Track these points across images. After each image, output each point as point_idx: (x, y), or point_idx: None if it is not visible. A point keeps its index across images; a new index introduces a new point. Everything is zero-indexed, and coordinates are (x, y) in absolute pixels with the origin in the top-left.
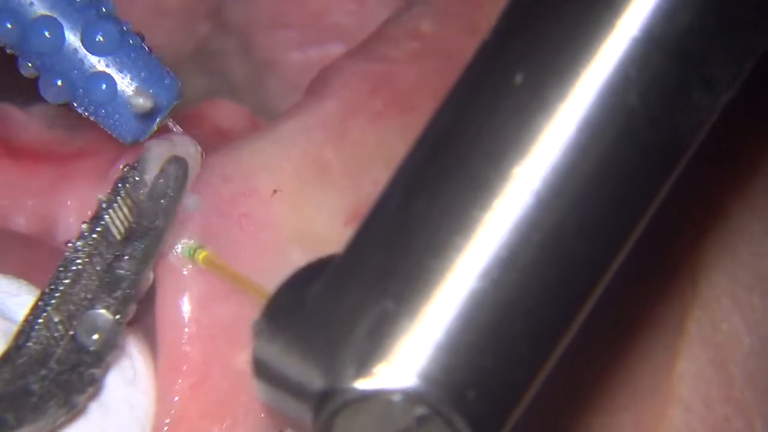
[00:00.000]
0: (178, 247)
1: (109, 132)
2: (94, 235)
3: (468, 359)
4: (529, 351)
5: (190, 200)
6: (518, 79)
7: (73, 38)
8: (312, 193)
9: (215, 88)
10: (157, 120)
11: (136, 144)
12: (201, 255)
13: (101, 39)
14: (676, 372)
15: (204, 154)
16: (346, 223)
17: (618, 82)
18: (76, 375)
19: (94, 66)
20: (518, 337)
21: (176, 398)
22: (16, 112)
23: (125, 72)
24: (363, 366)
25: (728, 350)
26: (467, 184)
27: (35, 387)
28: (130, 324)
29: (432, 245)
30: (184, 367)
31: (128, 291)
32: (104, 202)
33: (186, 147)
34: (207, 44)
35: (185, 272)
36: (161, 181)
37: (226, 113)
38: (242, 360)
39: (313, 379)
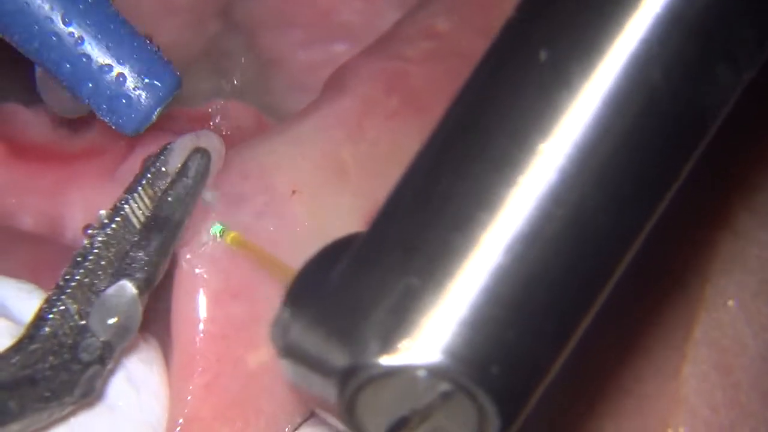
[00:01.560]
0: (206, 231)
1: (108, 123)
2: (113, 225)
3: (491, 335)
4: (552, 326)
5: (208, 195)
6: (542, 56)
7: (74, 29)
8: (330, 193)
9: (223, 87)
10: (157, 111)
11: (137, 135)
12: (230, 235)
13: (110, 27)
14: (682, 376)
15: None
16: (364, 224)
17: (641, 58)
18: (87, 368)
19: (96, 58)
20: (541, 312)
21: (189, 397)
22: (23, 111)
23: (125, 63)
24: (387, 342)
25: (734, 355)
26: (491, 161)
27: (42, 377)
28: (141, 327)
29: (456, 221)
30: (198, 367)
31: (144, 280)
32: (126, 191)
33: (210, 140)
34: (216, 43)
35: (198, 271)
36: (184, 172)
37: (234, 113)
38: (255, 360)
39: (338, 356)
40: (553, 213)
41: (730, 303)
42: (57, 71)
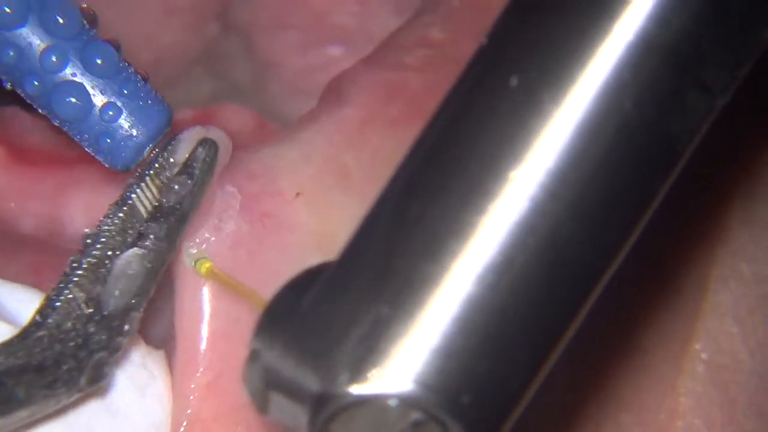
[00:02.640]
0: (185, 258)
1: (99, 160)
2: (120, 214)
3: (463, 364)
4: (525, 356)
5: (227, 192)
6: (513, 82)
7: (54, 63)
8: (333, 198)
9: (222, 90)
10: (148, 148)
11: (126, 171)
12: (204, 266)
13: (100, 62)
14: (679, 391)
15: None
16: None
17: (613, 86)
18: (93, 356)
19: (87, 95)
20: (513, 341)
21: (192, 397)
22: (24, 116)
23: (117, 100)
24: (358, 371)
25: (731, 372)
26: (463, 188)
27: (49, 364)
28: (143, 331)
29: (427, 249)
30: (200, 366)
31: (150, 270)
32: (133, 180)
33: (218, 134)
34: (214, 45)
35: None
36: (191, 162)
37: (233, 116)
38: None
39: (309, 385)
40: (524, 241)
41: (727, 319)
42: (47, 108)
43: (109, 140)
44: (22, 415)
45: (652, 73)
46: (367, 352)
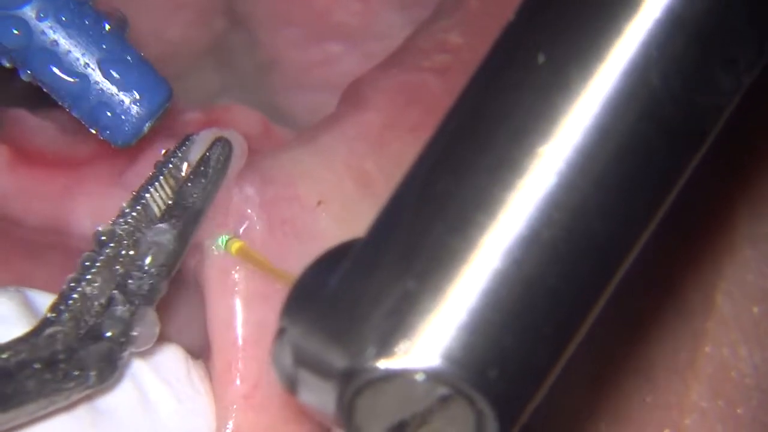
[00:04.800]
0: (214, 243)
1: (100, 135)
2: (134, 213)
3: (490, 339)
4: (551, 331)
5: (246, 194)
6: (541, 58)
7: (64, 41)
8: (355, 205)
9: (227, 83)
10: (148, 123)
11: (128, 147)
12: (235, 246)
13: (101, 39)
14: (684, 406)
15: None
16: None
17: (639, 63)
18: (103, 353)
19: (87, 71)
20: (540, 316)
21: (232, 408)
22: (30, 117)
23: (116, 75)
24: (385, 345)
25: (735, 387)
26: (490, 164)
27: (60, 359)
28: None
29: (454, 224)
30: (236, 377)
31: (161, 269)
32: (147, 179)
33: (233, 135)
34: (220, 40)
35: (232, 275)
36: (205, 161)
37: (240, 118)
38: None
39: (336, 360)
40: (551, 217)
41: (732, 334)
42: (48, 83)
43: (109, 115)
44: (31, 408)
45: (678, 49)
46: (395, 327)
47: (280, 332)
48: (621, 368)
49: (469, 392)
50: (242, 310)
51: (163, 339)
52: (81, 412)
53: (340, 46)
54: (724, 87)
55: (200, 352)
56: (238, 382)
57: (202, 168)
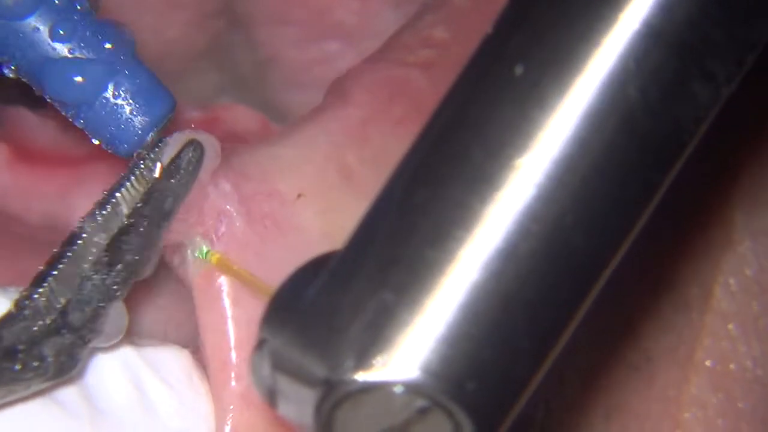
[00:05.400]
0: (189, 251)
1: (103, 145)
2: (104, 212)
3: (468, 351)
4: (529, 343)
5: (222, 190)
6: (518, 70)
7: (60, 47)
8: (336, 198)
9: (225, 82)
10: (151, 134)
11: (129, 157)
12: (215, 257)
13: (106, 46)
14: (683, 399)
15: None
16: None
17: (617, 75)
18: (63, 347)
19: (90, 79)
20: (518, 329)
21: (229, 408)
22: (30, 116)
23: (120, 85)
24: (363, 358)
25: (734, 381)
26: (467, 176)
27: (20, 350)
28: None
29: (432, 237)
30: (232, 377)
31: (129, 267)
32: (118, 180)
33: (206, 137)
34: (219, 39)
35: (220, 277)
36: (176, 163)
37: (239, 117)
38: None
39: (315, 372)
40: (529, 229)
41: (732, 327)
42: (51, 93)
43: (111, 125)
44: None
45: (656, 62)
46: (373, 339)
47: (260, 343)
48: (618, 362)
49: (447, 404)
50: (231, 310)
51: (160, 336)
52: (80, 412)
53: (338, 44)
54: (702, 99)
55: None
56: (233, 382)
57: (173, 170)
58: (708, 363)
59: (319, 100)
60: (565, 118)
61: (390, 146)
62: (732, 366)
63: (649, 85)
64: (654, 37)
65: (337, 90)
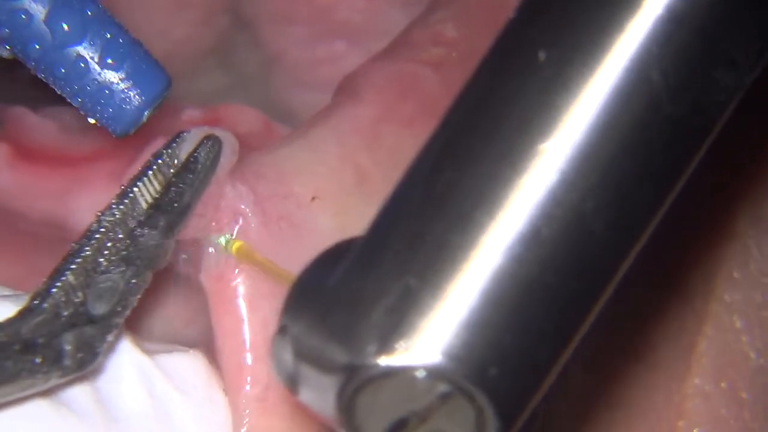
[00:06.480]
0: (214, 241)
1: (99, 124)
2: (122, 206)
3: (490, 336)
4: (552, 329)
5: (239, 191)
6: (542, 56)
7: (65, 30)
8: (350, 199)
9: (231, 82)
10: (147, 112)
11: (126, 136)
12: (235, 246)
13: (103, 31)
14: (687, 390)
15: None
16: None
17: (641, 60)
18: (81, 340)
19: (86, 59)
20: (541, 314)
21: (245, 413)
22: (30, 115)
23: (115, 64)
24: (385, 342)
25: (737, 371)
26: (491, 162)
27: (39, 344)
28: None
29: (455, 222)
30: (247, 381)
31: (146, 261)
32: (136, 174)
33: (224, 134)
34: (225, 39)
35: (234, 280)
36: (194, 157)
37: (243, 117)
38: None
39: (337, 357)
40: (552, 214)
41: (735, 318)
42: (47, 72)
43: (107, 104)
44: (9, 389)
45: (680, 48)
46: (395, 324)
47: (281, 330)
48: (621, 353)
49: (469, 389)
50: (247, 313)
51: (170, 336)
52: (95, 420)
53: (344, 44)
54: (725, 85)
55: (209, 344)
56: (248, 387)
57: (191, 165)
58: (712, 353)
59: (324, 100)
60: (589, 103)
61: (402, 146)
62: (735, 357)
63: (671, 70)
64: (677, 22)
65: (348, 89)
